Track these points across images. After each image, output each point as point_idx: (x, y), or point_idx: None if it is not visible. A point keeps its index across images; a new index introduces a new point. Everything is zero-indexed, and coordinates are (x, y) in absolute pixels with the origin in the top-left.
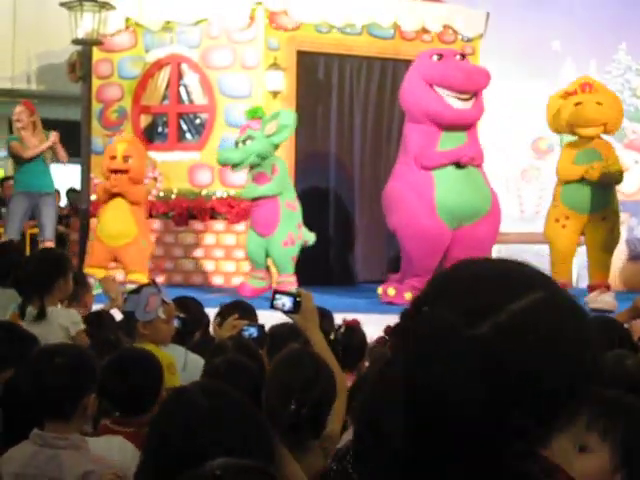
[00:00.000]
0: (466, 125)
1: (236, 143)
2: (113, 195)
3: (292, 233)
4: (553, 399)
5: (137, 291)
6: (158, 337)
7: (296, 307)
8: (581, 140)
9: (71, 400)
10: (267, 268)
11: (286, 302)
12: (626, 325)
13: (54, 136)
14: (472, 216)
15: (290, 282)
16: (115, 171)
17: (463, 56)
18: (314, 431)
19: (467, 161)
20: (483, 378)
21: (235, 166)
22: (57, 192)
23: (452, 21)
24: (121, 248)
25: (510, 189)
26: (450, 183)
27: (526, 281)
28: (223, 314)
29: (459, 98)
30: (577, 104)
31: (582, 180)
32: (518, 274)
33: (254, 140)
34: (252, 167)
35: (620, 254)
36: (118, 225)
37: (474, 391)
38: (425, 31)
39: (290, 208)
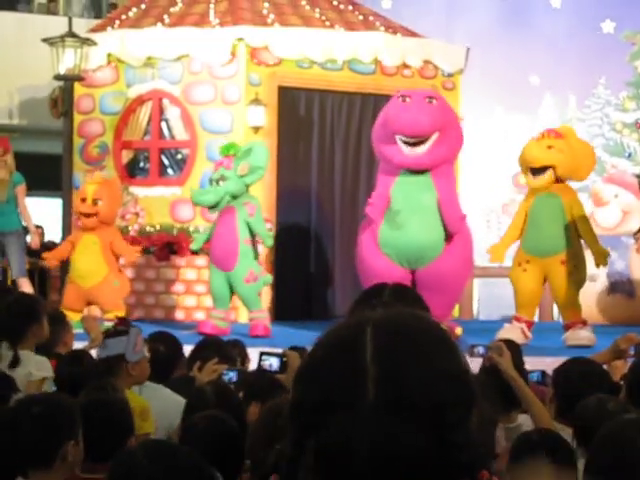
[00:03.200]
0: (416, 170)
1: (210, 181)
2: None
3: (252, 270)
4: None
5: (118, 333)
6: (143, 376)
7: (282, 367)
8: (536, 185)
9: (49, 449)
10: (229, 309)
11: (273, 362)
12: (606, 366)
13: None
14: (421, 257)
15: (263, 317)
16: (85, 214)
17: (431, 99)
18: None
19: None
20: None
21: (211, 208)
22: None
23: (432, 56)
24: (93, 289)
25: (491, 223)
26: (396, 222)
27: None
28: (197, 355)
29: (406, 142)
30: None
31: (539, 225)
32: None
33: (227, 180)
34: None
35: (600, 287)
36: (88, 265)
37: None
38: (406, 66)
39: (247, 244)
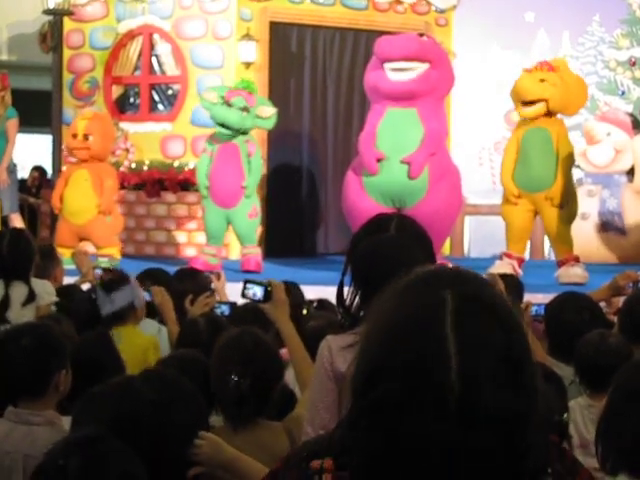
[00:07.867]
0: (404, 96)
1: (226, 103)
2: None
3: (255, 205)
4: None
5: (119, 284)
6: (142, 315)
7: (267, 297)
8: (528, 118)
9: (40, 379)
10: (222, 245)
11: (257, 291)
12: (604, 303)
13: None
14: (405, 196)
15: (255, 253)
16: (76, 149)
17: (422, 35)
18: (258, 407)
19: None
20: None
21: (227, 128)
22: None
23: None
24: (85, 226)
25: (483, 161)
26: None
27: None
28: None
29: (393, 69)
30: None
31: (529, 161)
32: None
33: (249, 114)
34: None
35: (592, 225)
36: (79, 201)
37: None
38: (398, 2)
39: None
